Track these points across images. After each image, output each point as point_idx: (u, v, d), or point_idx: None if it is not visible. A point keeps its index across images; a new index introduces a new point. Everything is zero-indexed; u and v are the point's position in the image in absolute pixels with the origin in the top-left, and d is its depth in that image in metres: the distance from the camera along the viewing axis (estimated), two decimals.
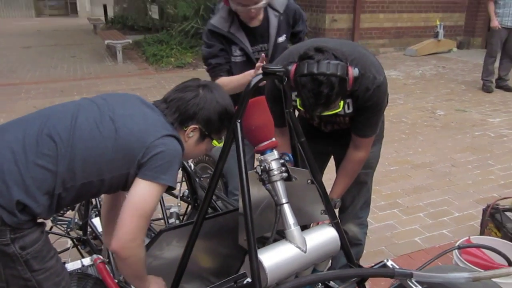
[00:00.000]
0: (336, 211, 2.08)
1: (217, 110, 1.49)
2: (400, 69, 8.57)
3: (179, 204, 2.53)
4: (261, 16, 2.37)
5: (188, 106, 1.47)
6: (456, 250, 2.15)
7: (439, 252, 1.85)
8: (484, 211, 2.70)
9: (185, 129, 1.49)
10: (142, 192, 1.36)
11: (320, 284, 1.67)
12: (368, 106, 1.86)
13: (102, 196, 1.98)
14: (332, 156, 2.30)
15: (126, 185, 1.43)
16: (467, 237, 2.25)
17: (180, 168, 2.45)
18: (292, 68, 1.61)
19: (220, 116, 1.50)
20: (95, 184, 1.37)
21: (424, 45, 10.04)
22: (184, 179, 2.58)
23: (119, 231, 1.36)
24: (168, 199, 2.68)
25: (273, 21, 2.40)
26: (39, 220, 1.34)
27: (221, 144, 1.54)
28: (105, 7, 20.93)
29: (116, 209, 1.83)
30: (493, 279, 1.74)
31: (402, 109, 5.94)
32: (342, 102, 1.69)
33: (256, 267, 1.31)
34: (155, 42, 10.24)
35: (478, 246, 2.06)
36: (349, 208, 2.22)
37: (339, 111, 1.77)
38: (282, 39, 2.46)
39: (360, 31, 9.90)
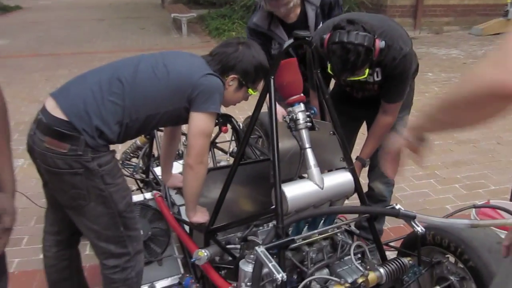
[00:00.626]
0: (364, 170, 2.34)
1: (253, 63, 1.79)
2: (462, 48, 8.37)
3: (228, 159, 2.87)
4: (297, 11, 2.55)
5: (229, 58, 1.78)
6: (473, 210, 2.34)
7: None
8: None
9: (226, 78, 1.80)
10: (200, 121, 1.73)
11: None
12: (395, 74, 2.07)
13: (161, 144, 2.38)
14: (365, 122, 2.53)
15: (179, 120, 1.78)
16: (487, 200, 2.42)
17: (231, 128, 2.79)
18: (326, 36, 1.87)
19: (256, 68, 1.79)
20: (154, 117, 1.72)
21: (491, 24, 9.64)
22: (233, 138, 2.92)
23: (191, 151, 1.75)
24: (221, 157, 3.02)
25: (311, 14, 2.56)
26: (112, 148, 1.73)
27: (256, 93, 1.84)
28: None
29: (172, 147, 2.21)
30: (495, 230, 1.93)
31: None
32: (367, 70, 1.92)
33: (279, 196, 1.61)
34: (218, 17, 10.62)
35: (493, 207, 2.23)
36: (376, 168, 2.45)
37: (367, 78, 2.00)
38: None
39: (423, 8, 9.68)
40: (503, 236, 1.94)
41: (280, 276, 1.43)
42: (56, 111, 1.61)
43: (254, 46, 1.84)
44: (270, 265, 1.45)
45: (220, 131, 2.77)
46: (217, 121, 2.42)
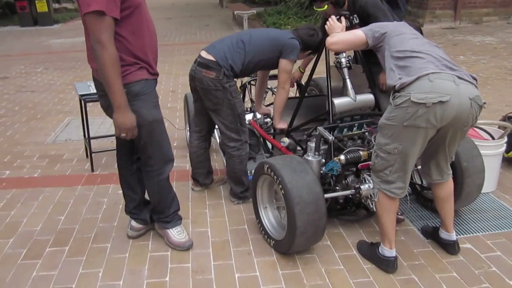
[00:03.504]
0: None
1: (320, 44, 3.05)
2: (497, 35, 9.21)
3: None
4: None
5: (311, 42, 3.11)
6: None
7: None
8: (500, 119, 3.92)
9: (304, 51, 3.12)
10: (285, 64, 3.02)
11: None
12: (368, 14, 3.11)
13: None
14: None
15: (273, 64, 3.07)
16: None
17: (297, 84, 4.03)
18: None
19: (320, 45, 3.06)
20: (261, 61, 3.02)
21: None
22: (298, 91, 4.20)
23: (280, 81, 3.08)
24: None
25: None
26: (234, 79, 3.06)
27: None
28: None
29: (262, 88, 3.53)
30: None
31: (483, 67, 6.90)
32: (326, 6, 3.16)
33: (331, 103, 2.87)
34: (274, 13, 11.95)
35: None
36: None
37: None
38: None
39: (463, 1, 10.53)
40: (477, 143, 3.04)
41: (331, 138, 2.70)
42: (208, 56, 2.96)
43: (320, 32, 3.11)
44: (325, 133, 2.73)
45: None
46: None
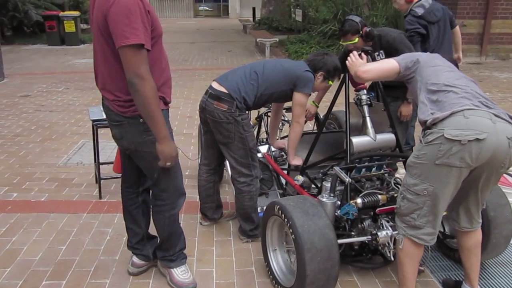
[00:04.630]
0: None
1: (333, 66, 2.95)
2: None
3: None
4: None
5: (319, 62, 2.97)
6: None
7: None
8: None
9: (316, 74, 2.97)
10: (299, 97, 2.89)
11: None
12: (395, 48, 3.22)
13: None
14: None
15: (287, 97, 2.95)
16: None
17: (315, 118, 3.90)
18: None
19: (334, 69, 2.96)
20: (274, 93, 2.90)
21: None
22: (316, 125, 4.06)
23: (294, 115, 2.95)
24: None
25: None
26: (247, 112, 2.93)
27: (333, 83, 3.01)
28: (254, 9, 23.37)
29: (277, 120, 3.40)
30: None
31: (510, 105, 6.66)
32: (357, 39, 3.20)
33: (349, 142, 2.71)
34: (297, 41, 11.93)
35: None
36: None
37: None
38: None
39: (490, 36, 10.34)
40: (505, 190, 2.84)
41: (347, 180, 2.53)
42: (220, 88, 2.85)
43: (333, 56, 3.03)
44: (342, 174, 2.56)
45: (306, 120, 3.90)
46: None
